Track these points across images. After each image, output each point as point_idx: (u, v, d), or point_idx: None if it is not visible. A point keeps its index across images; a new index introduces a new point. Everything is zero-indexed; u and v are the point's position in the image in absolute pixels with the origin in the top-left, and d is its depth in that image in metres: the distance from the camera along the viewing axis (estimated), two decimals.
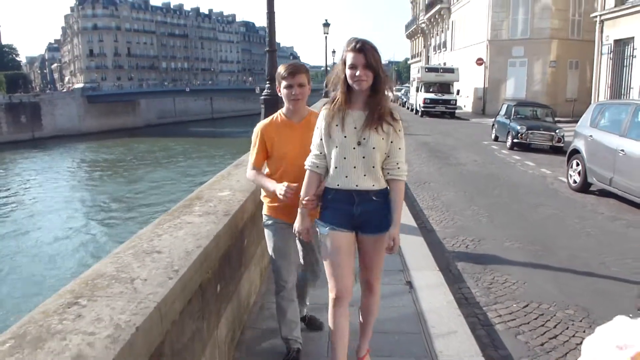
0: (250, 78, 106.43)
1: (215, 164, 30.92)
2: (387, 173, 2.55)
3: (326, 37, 29.07)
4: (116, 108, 62.89)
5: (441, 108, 28.69)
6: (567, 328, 4.08)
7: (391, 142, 2.52)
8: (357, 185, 2.52)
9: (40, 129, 54.15)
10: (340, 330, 2.63)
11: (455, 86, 30.28)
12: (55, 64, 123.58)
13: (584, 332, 3.98)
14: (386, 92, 2.53)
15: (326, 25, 28.52)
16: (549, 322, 4.18)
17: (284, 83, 2.87)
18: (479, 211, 7.85)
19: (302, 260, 3.19)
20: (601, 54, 17.29)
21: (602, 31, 17.11)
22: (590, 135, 8.88)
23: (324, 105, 2.61)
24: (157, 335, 1.87)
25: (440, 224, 7.12)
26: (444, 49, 42.74)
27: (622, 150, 7.80)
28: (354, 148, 2.48)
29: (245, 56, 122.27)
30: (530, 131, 14.45)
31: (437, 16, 43.86)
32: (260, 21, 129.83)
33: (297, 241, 3.07)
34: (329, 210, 2.61)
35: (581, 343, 3.21)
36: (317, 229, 2.66)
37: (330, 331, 2.69)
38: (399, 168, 2.54)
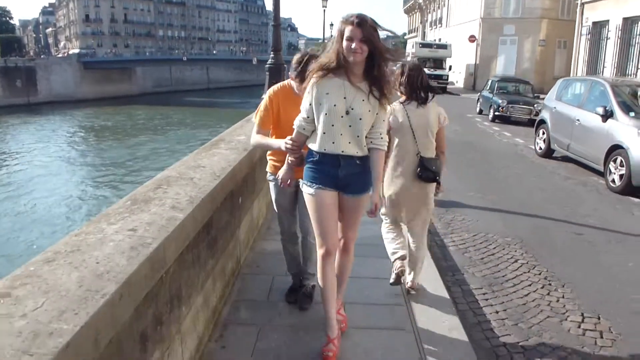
0: (243, 48, 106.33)
1: (216, 133, 31.47)
2: (370, 142, 2.71)
3: (324, 10, 29.73)
4: (112, 75, 62.22)
5: (433, 83, 29.44)
6: (504, 249, 5.28)
7: (377, 114, 2.68)
8: (342, 151, 2.67)
9: (36, 94, 53.46)
10: (329, 281, 2.85)
11: (448, 62, 31.13)
12: (50, 29, 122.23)
13: (516, 252, 5.18)
14: (383, 68, 2.63)
15: None
16: (490, 245, 5.39)
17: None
18: (451, 170, 8.96)
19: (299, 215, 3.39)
20: (581, 34, 18.31)
21: (582, 13, 18.11)
22: (555, 107, 10.03)
23: (315, 72, 2.69)
24: (209, 210, 2.97)
25: None
26: (440, 25, 43.38)
27: (578, 120, 8.96)
28: (342, 116, 2.62)
29: (242, 26, 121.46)
30: (510, 105, 15.55)
31: None
32: None
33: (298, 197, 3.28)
34: (315, 171, 2.76)
35: (512, 259, 4.47)
36: (303, 189, 2.84)
37: (321, 283, 2.87)
38: (381, 138, 2.73)
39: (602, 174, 8.22)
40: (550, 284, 4.44)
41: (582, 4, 18.03)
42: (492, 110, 16.27)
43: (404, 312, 3.49)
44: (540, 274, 4.65)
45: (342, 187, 2.75)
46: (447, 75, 30.32)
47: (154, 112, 47.69)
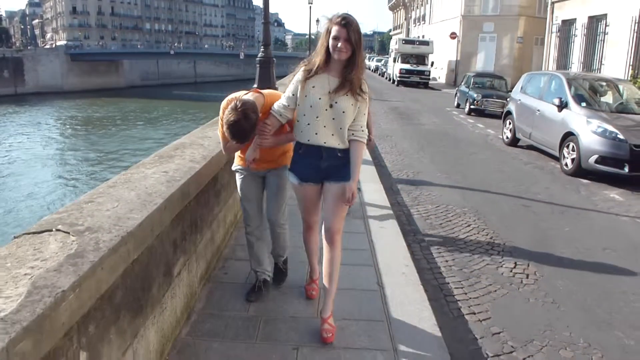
0: (230, 43, 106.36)
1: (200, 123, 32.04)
2: (352, 134, 2.85)
3: (310, 7, 30.47)
4: (99, 67, 62.77)
5: (416, 78, 30.48)
6: (460, 217, 6.17)
7: (358, 107, 2.82)
8: (325, 143, 2.82)
9: (23, 85, 54.12)
10: (311, 247, 3.34)
11: (430, 58, 32.05)
12: (37, 20, 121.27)
13: (470, 219, 6.07)
14: (361, 66, 2.78)
15: None
16: (449, 214, 6.27)
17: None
18: (424, 155, 9.92)
19: (266, 205, 3.47)
20: (551, 32, 19.34)
21: (552, 12, 19.13)
22: (519, 100, 10.97)
23: (302, 65, 2.89)
24: (216, 167, 3.78)
25: (391, 163, 9.17)
26: (423, 22, 44.36)
27: (539, 110, 9.90)
28: (326, 110, 2.77)
29: (229, 21, 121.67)
30: (485, 99, 16.52)
31: None
32: None
33: (265, 190, 3.43)
34: (299, 164, 2.96)
35: (466, 224, 5.34)
36: (289, 179, 3.09)
37: (305, 246, 3.36)
38: (362, 131, 2.87)
39: (558, 159, 9.16)
40: (493, 242, 5.34)
41: (552, 3, 19.08)
42: (468, 104, 17.23)
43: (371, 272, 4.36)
44: (487, 235, 5.54)
45: (325, 177, 2.94)
46: (429, 71, 31.27)
47: (142, 105, 48.14)
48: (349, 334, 3.06)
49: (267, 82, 8.41)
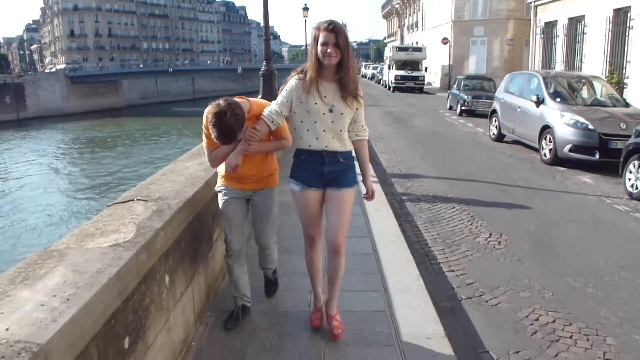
0: (227, 58, 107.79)
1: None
2: (355, 135, 2.96)
3: (305, 20, 31.53)
4: (99, 89, 62.89)
5: (410, 84, 31.42)
6: (445, 202, 7.03)
7: (357, 109, 2.91)
8: (326, 146, 2.87)
9: (25, 110, 54.04)
10: (315, 269, 3.20)
11: (424, 64, 33.06)
12: (35, 45, 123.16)
13: (454, 202, 6.93)
14: (351, 70, 2.83)
15: (305, 9, 31.16)
16: (437, 200, 7.14)
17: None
18: (416, 153, 10.81)
19: (253, 228, 3.37)
20: (535, 34, 20.33)
21: (535, 14, 20.14)
22: (503, 98, 11.88)
23: (294, 74, 2.94)
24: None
25: (386, 160, 10.06)
26: (416, 28, 45.47)
27: (519, 107, 10.80)
28: (324, 114, 2.82)
29: (225, 36, 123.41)
30: (475, 100, 17.44)
31: None
32: (240, 0, 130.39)
33: (249, 211, 3.30)
34: (300, 170, 2.97)
35: (450, 206, 6.22)
36: (290, 187, 3.04)
37: (308, 269, 3.23)
38: (364, 129, 3.00)
39: (538, 151, 10.03)
40: (473, 219, 6.21)
41: (535, 7, 20.10)
42: (459, 105, 18.15)
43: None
44: (468, 214, 6.41)
45: (327, 183, 2.95)
46: (424, 76, 32.25)
47: (143, 123, 48.51)
48: (350, 282, 3.90)
49: (270, 93, 9.33)
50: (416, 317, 3.44)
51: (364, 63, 73.48)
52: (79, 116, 54.80)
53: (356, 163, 3.09)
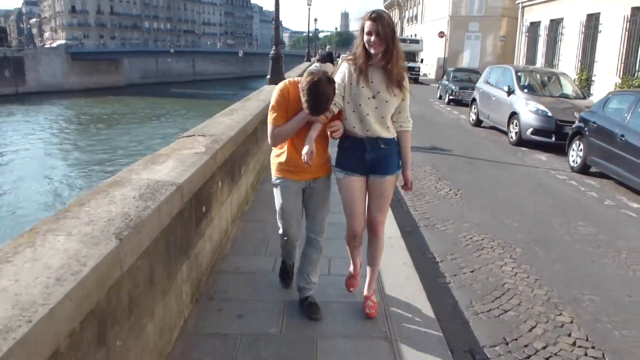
0: (230, 41, 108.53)
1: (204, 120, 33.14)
2: (400, 125, 3.02)
3: (309, 8, 32.77)
4: (100, 66, 63.10)
5: (407, 74, 32.70)
6: (420, 167, 8.54)
7: (402, 99, 2.95)
8: (368, 131, 2.92)
9: (24, 84, 54.09)
10: (357, 261, 3.36)
11: (420, 55, 34.45)
12: (34, 19, 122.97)
13: (427, 167, 8.44)
14: (396, 59, 2.84)
15: None
16: (414, 165, 8.64)
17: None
18: None
19: (305, 217, 3.28)
20: (522, 32, 21.84)
21: (522, 15, 21.66)
22: (481, 88, 13.40)
23: (344, 58, 3.08)
24: (254, 123, 6.14)
25: None
26: (416, 21, 46.77)
27: (494, 96, 12.33)
28: (369, 99, 2.88)
29: (228, 19, 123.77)
30: (462, 90, 18.90)
31: None
32: None
33: (301, 200, 3.20)
34: (344, 158, 3.05)
35: (426, 172, 7.72)
36: (335, 175, 3.10)
37: (352, 265, 3.38)
38: (409, 121, 3.06)
39: (507, 134, 11.57)
40: (439, 179, 7.75)
41: (522, 7, 21.61)
42: (447, 95, 19.66)
43: None
44: (436, 176, 7.95)
45: (370, 170, 3.03)
46: (419, 67, 33.62)
47: (143, 103, 48.80)
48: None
49: (278, 74, 10.78)
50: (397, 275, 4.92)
51: None
52: (78, 93, 54.71)
53: None
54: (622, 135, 7.48)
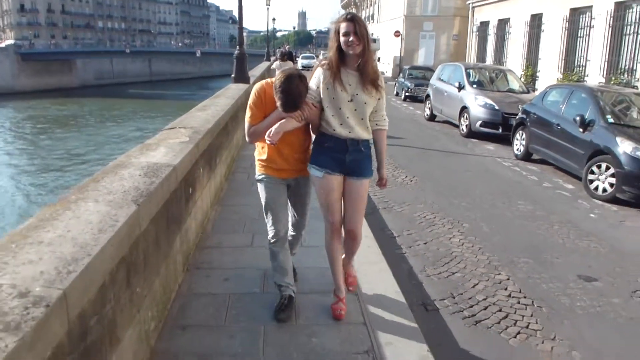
0: (187, 41, 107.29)
1: (167, 122, 32.09)
2: (376, 124, 3.08)
3: (268, 8, 33.13)
4: (52, 67, 60.71)
5: None
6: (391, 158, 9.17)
7: (378, 99, 3.02)
8: (349, 132, 2.96)
9: None
10: (336, 258, 3.27)
11: (377, 54, 35.35)
12: None
13: (388, 161, 9.09)
14: (371, 59, 2.92)
15: None
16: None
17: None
18: None
19: (290, 211, 3.37)
20: (472, 31, 22.96)
21: (473, 14, 22.78)
22: (435, 85, 14.21)
23: (318, 63, 3.11)
24: (225, 119, 6.62)
25: None
26: (373, 20, 47.71)
27: (446, 92, 13.14)
28: (348, 101, 2.92)
29: (184, 18, 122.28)
30: (417, 87, 19.75)
31: None
32: None
33: (287, 196, 3.28)
34: (324, 156, 3.03)
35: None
36: (310, 171, 3.08)
37: (329, 258, 3.28)
38: (384, 119, 3.14)
39: (458, 127, 12.38)
40: (396, 168, 8.42)
41: (473, 8, 22.72)
42: (403, 92, 20.50)
43: None
44: (392, 165, 8.61)
45: (348, 172, 3.05)
46: (376, 66, 34.45)
47: (98, 104, 47.36)
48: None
49: (242, 73, 11.23)
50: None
51: (322, 52, 75.39)
52: (30, 95, 52.40)
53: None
54: (558, 125, 8.33)
